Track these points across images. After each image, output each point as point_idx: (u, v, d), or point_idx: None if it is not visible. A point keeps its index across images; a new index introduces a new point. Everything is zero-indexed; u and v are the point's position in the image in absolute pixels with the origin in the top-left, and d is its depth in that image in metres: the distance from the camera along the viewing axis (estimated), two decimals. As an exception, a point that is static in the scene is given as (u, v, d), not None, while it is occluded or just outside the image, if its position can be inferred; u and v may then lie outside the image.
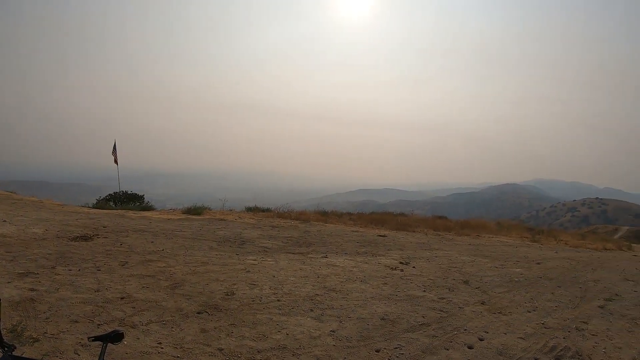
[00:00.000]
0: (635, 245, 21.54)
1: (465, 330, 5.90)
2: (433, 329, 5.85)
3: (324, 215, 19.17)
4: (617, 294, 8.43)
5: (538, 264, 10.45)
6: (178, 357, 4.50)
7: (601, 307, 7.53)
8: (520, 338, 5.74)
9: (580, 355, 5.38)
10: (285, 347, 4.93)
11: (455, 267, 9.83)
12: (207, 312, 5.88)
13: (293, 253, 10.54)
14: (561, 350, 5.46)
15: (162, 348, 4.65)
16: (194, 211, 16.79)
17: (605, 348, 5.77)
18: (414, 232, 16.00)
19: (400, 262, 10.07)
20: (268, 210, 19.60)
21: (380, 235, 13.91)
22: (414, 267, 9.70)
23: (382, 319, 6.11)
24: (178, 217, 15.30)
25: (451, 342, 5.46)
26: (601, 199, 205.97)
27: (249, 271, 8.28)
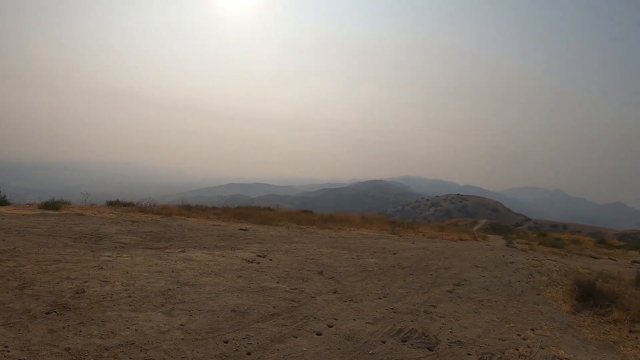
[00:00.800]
0: (490, 236, 23.91)
1: (315, 318, 6.14)
2: (283, 319, 6.01)
3: (188, 210, 19.38)
4: (465, 279, 9.35)
5: (394, 254, 11.20)
6: (24, 359, 4.20)
7: (450, 291, 8.30)
8: (369, 323, 6.12)
9: (427, 336, 5.88)
10: (133, 343, 4.77)
11: (312, 259, 10.18)
12: (55, 311, 5.50)
13: (151, 248, 10.23)
14: (408, 332, 5.91)
15: (9, 352, 4.30)
16: (51, 206, 15.79)
17: (451, 328, 6.37)
18: (277, 225, 16.29)
19: (258, 255, 10.21)
20: (130, 204, 19.34)
21: (242, 229, 13.97)
22: (270, 259, 9.88)
23: (233, 310, 6.14)
24: (34, 213, 14.10)
25: (300, 330, 5.65)
26: (462, 195, 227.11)
27: (102, 268, 7.87)
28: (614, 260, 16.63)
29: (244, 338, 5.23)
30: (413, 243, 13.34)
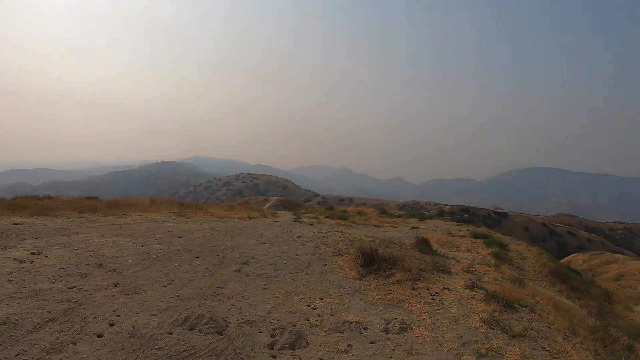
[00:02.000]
0: (280, 212, 24.49)
1: (95, 318, 5.40)
2: (60, 324, 5.16)
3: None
4: (253, 257, 9.25)
5: (180, 237, 10.67)
6: None
7: (237, 270, 8.10)
8: (154, 315, 5.59)
9: (215, 320, 5.58)
10: None
11: (92, 251, 9.15)
12: None
13: None
14: (195, 319, 5.54)
15: None
16: None
17: (240, 308, 6.18)
18: (56, 216, 14.50)
19: (32, 253, 8.81)
20: None
21: (16, 224, 12.06)
22: (46, 256, 8.57)
23: (3, 323, 5.10)
24: None
25: (79, 334, 4.91)
26: (253, 174, 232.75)
27: None
28: (395, 227, 18.22)
29: (17, 355, 4.36)
30: (201, 224, 12.91)
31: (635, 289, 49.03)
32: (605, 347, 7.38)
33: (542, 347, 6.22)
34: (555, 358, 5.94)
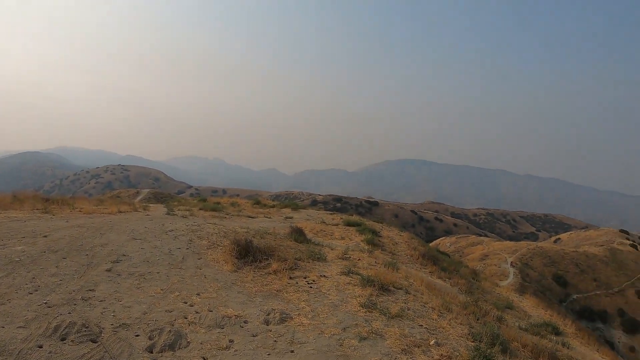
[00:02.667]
0: (152, 205, 23.65)
1: (-50, 340, 4.93)
2: None
3: None
4: (124, 254, 8.90)
5: (45, 237, 9.95)
6: None
7: (108, 270, 7.75)
8: (21, 327, 5.19)
9: (88, 327, 5.34)
10: None
11: (-63, 260, 8.30)
12: None
13: None
14: (66, 327, 5.25)
15: None
16: None
17: (114, 311, 5.96)
18: None
19: None
20: None
21: None
22: None
23: None
24: None
25: None
26: (123, 165, 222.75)
27: None
28: (269, 218, 18.41)
29: None
30: (67, 221, 12.11)
31: (499, 267, 54.00)
32: (478, 320, 8.16)
33: (419, 325, 6.72)
34: (433, 334, 6.45)
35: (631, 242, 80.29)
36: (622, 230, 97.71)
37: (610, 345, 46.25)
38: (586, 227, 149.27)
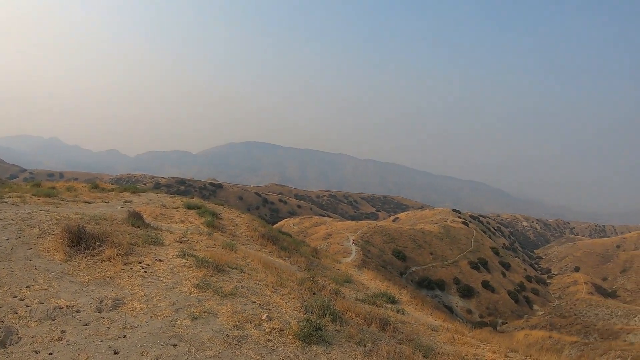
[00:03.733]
0: None
1: None
2: None
3: None
4: None
5: None
6: None
7: None
8: None
9: None
10: None
11: None
12: None
13: None
14: None
15: None
16: None
17: None
18: None
19: None
20: None
21: None
22: None
23: None
24: None
25: None
26: None
27: None
28: (107, 202, 17.77)
29: None
30: None
31: (342, 245, 56.87)
32: (313, 294, 8.97)
33: (252, 302, 7.39)
34: (265, 309, 7.14)
35: (463, 220, 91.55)
36: (454, 210, 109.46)
37: (449, 309, 52.15)
38: (422, 207, 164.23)
